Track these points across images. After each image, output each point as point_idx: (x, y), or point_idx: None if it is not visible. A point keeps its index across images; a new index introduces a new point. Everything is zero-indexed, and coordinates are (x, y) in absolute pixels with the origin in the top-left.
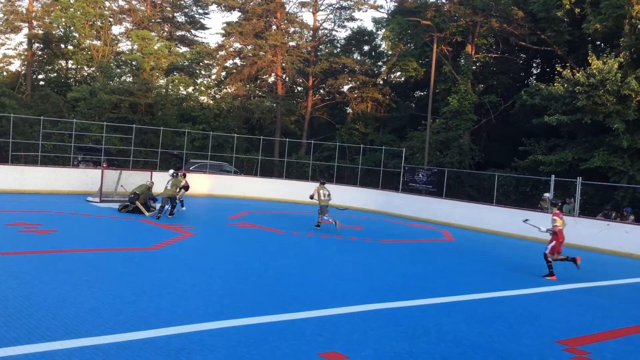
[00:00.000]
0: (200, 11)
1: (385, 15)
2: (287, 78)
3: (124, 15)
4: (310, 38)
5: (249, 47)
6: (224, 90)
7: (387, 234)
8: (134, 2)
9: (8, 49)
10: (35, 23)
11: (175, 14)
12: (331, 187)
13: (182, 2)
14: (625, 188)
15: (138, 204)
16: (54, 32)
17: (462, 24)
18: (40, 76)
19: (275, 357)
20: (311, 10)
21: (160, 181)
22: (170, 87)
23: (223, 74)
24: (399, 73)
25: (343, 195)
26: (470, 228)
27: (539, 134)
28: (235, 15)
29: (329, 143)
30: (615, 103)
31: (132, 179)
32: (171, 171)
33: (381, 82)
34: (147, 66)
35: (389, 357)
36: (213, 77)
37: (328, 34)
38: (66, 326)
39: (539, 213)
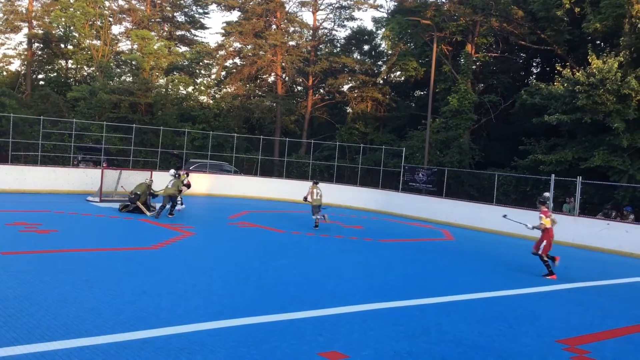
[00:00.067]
0: (200, 11)
1: (385, 15)
2: (287, 78)
3: (124, 15)
4: (310, 37)
5: (249, 47)
6: (224, 89)
7: (387, 234)
8: (133, 2)
9: (8, 48)
10: (35, 23)
11: (175, 14)
12: (331, 187)
13: (181, 1)
14: (625, 187)
15: (139, 204)
16: (53, 32)
17: (462, 24)
18: (40, 76)
19: (275, 357)
20: (311, 9)
21: (161, 181)
22: (170, 86)
23: (223, 73)
24: (398, 72)
25: (343, 195)
26: (471, 227)
27: (539, 134)
28: (235, 15)
29: (328, 143)
30: (615, 102)
31: (132, 179)
32: (172, 171)
33: (381, 81)
34: (147, 66)
35: (389, 357)
36: (213, 76)
37: (328, 34)
38: (66, 326)
39: (538, 212)
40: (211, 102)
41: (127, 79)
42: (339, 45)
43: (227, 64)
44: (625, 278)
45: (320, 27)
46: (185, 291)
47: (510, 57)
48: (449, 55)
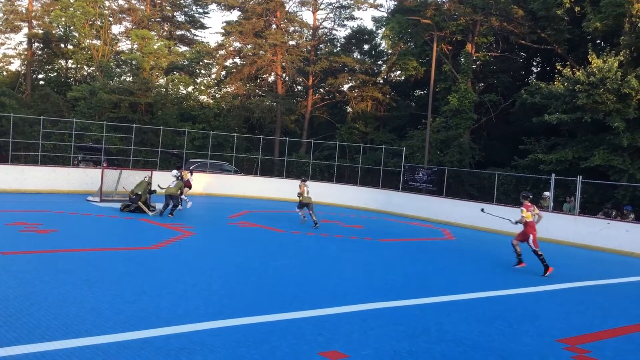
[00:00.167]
0: (200, 10)
1: (385, 14)
2: (287, 77)
3: (124, 15)
4: (310, 37)
5: (249, 47)
6: (224, 89)
7: (387, 233)
8: (133, 2)
9: (8, 48)
10: (35, 22)
11: (175, 13)
12: (332, 187)
13: (181, 1)
14: (625, 186)
15: (140, 204)
16: (53, 32)
17: (462, 23)
18: (40, 76)
19: (275, 357)
20: (311, 9)
21: (161, 181)
22: (170, 86)
23: (223, 73)
24: (399, 72)
25: (343, 194)
26: (471, 227)
27: (539, 133)
28: (235, 15)
29: (329, 142)
30: (616, 101)
31: (132, 179)
32: (175, 172)
33: (381, 81)
34: (147, 65)
35: (389, 356)
36: (213, 76)
37: (328, 33)
38: (66, 326)
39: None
40: (211, 101)
41: (127, 79)
42: (339, 44)
43: (227, 63)
44: (625, 277)
45: (320, 27)
46: (185, 291)
47: (511, 57)
48: (449, 54)
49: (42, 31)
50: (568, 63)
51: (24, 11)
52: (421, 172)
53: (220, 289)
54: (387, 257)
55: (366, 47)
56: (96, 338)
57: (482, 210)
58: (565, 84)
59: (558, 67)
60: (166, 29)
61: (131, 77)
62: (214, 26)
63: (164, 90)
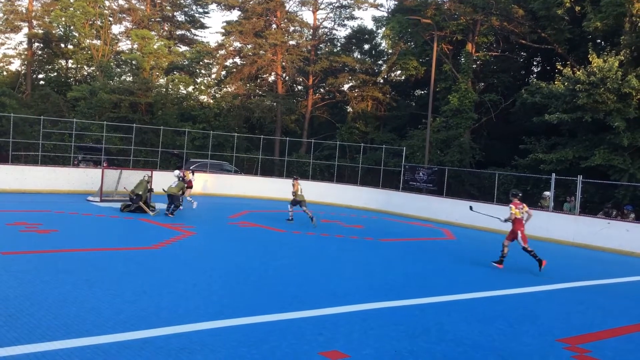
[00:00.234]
0: (200, 10)
1: (386, 14)
2: (287, 77)
3: (124, 15)
4: (310, 37)
5: (249, 46)
6: (224, 89)
7: (388, 233)
8: (133, 2)
9: (8, 48)
10: (35, 22)
11: (175, 13)
12: (332, 187)
13: (181, 1)
14: (625, 186)
15: (141, 204)
16: (53, 32)
17: (462, 23)
18: (40, 76)
19: (275, 357)
20: (311, 9)
21: (161, 181)
22: (170, 86)
23: (223, 73)
24: (399, 72)
25: (344, 194)
26: (471, 227)
27: (539, 133)
28: (235, 14)
29: (329, 142)
30: (616, 101)
31: (133, 179)
32: (177, 172)
33: (381, 80)
34: (147, 65)
35: (390, 356)
36: (213, 76)
37: (328, 33)
38: (67, 326)
39: (538, 211)
40: (211, 101)
41: (127, 79)
42: (339, 44)
43: (227, 63)
44: (626, 277)
45: (321, 27)
46: (185, 291)
47: (511, 56)
48: (450, 54)
49: (42, 31)
50: (568, 63)
51: (24, 11)
52: (421, 172)
53: (220, 289)
54: (387, 257)
55: (366, 46)
56: (97, 338)
57: (471, 208)
58: (566, 84)
59: (558, 67)
60: (166, 28)
61: (131, 77)
62: (214, 26)
63: (164, 90)
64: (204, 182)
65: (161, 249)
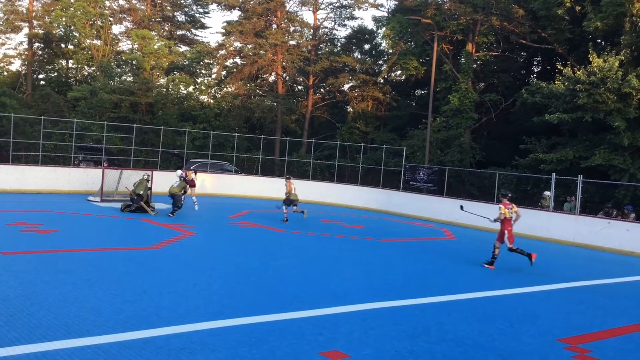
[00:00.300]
0: (201, 10)
1: (386, 14)
2: (287, 77)
3: (124, 15)
4: (311, 37)
5: (249, 46)
6: (225, 89)
7: (388, 233)
8: (134, 2)
9: (8, 48)
10: (35, 23)
11: (175, 13)
12: (332, 187)
13: (182, 1)
14: (626, 186)
15: (142, 204)
16: (54, 32)
17: (462, 23)
18: (40, 76)
19: (276, 357)
20: (311, 9)
21: (161, 181)
22: (170, 86)
23: (223, 73)
24: (399, 72)
25: (344, 194)
26: (472, 227)
27: (539, 132)
28: (235, 14)
29: (329, 142)
30: (616, 101)
31: (133, 179)
32: (180, 172)
33: (382, 80)
34: (147, 65)
35: (390, 356)
36: (213, 76)
37: (328, 33)
38: (67, 326)
39: (538, 211)
40: (212, 101)
41: (128, 79)
42: (339, 44)
43: (227, 63)
44: (626, 277)
45: (321, 27)
46: (186, 291)
47: (511, 56)
48: (450, 54)
49: (42, 31)
50: (569, 62)
51: (24, 11)
52: (422, 172)
53: (220, 289)
54: (387, 256)
55: (367, 46)
56: (97, 338)
57: (462, 208)
58: (566, 84)
59: (559, 67)
60: (167, 28)
61: (132, 77)
62: (214, 26)
63: (165, 90)
64: (202, 182)
65: (161, 249)
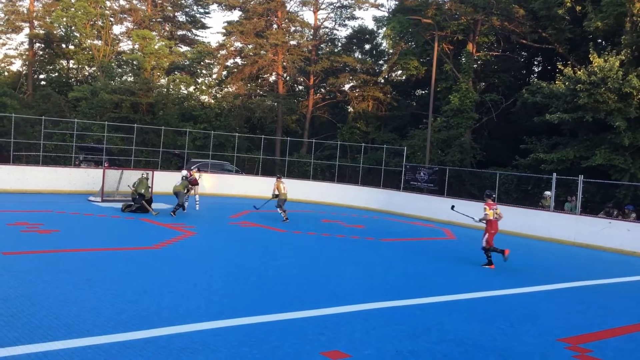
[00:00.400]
0: (201, 10)
1: (386, 14)
2: (288, 77)
3: (125, 15)
4: (311, 37)
5: (250, 46)
6: (225, 89)
7: (389, 233)
8: (134, 2)
9: (9, 49)
10: (36, 23)
11: (176, 14)
12: (333, 187)
13: (182, 1)
14: (627, 186)
15: (144, 203)
16: (55, 32)
17: (463, 22)
18: (41, 76)
19: (277, 357)
20: (312, 9)
21: (162, 181)
22: (171, 86)
23: (224, 73)
24: (400, 72)
25: (345, 194)
26: (472, 227)
27: (540, 132)
28: (236, 15)
29: (330, 142)
30: (617, 101)
31: (134, 179)
32: (184, 172)
33: (382, 80)
34: (148, 66)
35: (391, 356)
36: (214, 76)
37: (329, 33)
38: (68, 326)
39: (539, 211)
40: (212, 101)
41: (129, 79)
42: (340, 44)
43: (228, 63)
44: (626, 277)
45: (321, 27)
46: (186, 290)
47: (512, 56)
48: (450, 54)
49: (43, 31)
50: (569, 62)
51: (25, 11)
52: (422, 172)
53: (221, 289)
54: (388, 256)
55: (367, 46)
56: (98, 338)
57: (452, 207)
58: (567, 84)
59: (559, 67)
60: (167, 29)
61: (132, 77)
62: (215, 26)
63: (165, 90)
64: (205, 182)
65: (162, 249)
